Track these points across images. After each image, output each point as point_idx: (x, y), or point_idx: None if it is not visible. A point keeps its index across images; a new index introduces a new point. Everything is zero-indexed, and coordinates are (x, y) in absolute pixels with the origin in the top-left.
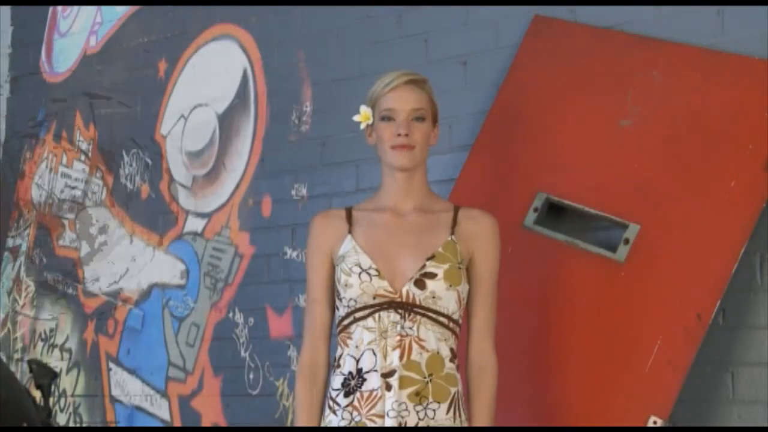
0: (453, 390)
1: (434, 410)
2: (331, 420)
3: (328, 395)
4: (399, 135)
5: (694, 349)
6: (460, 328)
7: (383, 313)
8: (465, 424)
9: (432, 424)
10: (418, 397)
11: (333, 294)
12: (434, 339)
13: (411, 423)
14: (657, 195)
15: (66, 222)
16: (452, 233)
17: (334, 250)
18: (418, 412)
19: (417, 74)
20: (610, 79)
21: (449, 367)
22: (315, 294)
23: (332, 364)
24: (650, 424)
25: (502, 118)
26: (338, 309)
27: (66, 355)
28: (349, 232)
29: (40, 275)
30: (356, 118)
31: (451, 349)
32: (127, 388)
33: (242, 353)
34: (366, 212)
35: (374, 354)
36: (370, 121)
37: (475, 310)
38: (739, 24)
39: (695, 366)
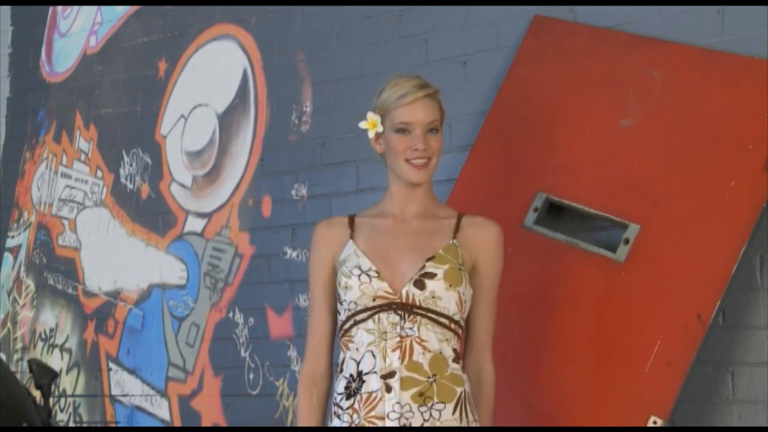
0: (459, 390)
1: (440, 411)
2: (335, 424)
3: (333, 400)
4: (416, 150)
5: (694, 349)
6: (462, 329)
7: (383, 315)
8: (473, 424)
9: (437, 425)
10: (422, 397)
11: (335, 302)
12: (436, 339)
13: (416, 424)
14: (657, 195)
15: (66, 222)
16: (454, 238)
17: (335, 257)
18: (422, 413)
19: (429, 86)
20: (610, 79)
21: (453, 367)
22: (316, 303)
23: (335, 368)
24: (650, 424)
25: (502, 118)
26: (339, 313)
27: (66, 355)
28: (351, 237)
29: (40, 275)
30: (362, 125)
31: (454, 350)
32: (127, 388)
33: (242, 353)
34: (368, 218)
35: (373, 356)
36: (380, 130)
37: (475, 319)
38: (739, 24)
39: (695, 366)
